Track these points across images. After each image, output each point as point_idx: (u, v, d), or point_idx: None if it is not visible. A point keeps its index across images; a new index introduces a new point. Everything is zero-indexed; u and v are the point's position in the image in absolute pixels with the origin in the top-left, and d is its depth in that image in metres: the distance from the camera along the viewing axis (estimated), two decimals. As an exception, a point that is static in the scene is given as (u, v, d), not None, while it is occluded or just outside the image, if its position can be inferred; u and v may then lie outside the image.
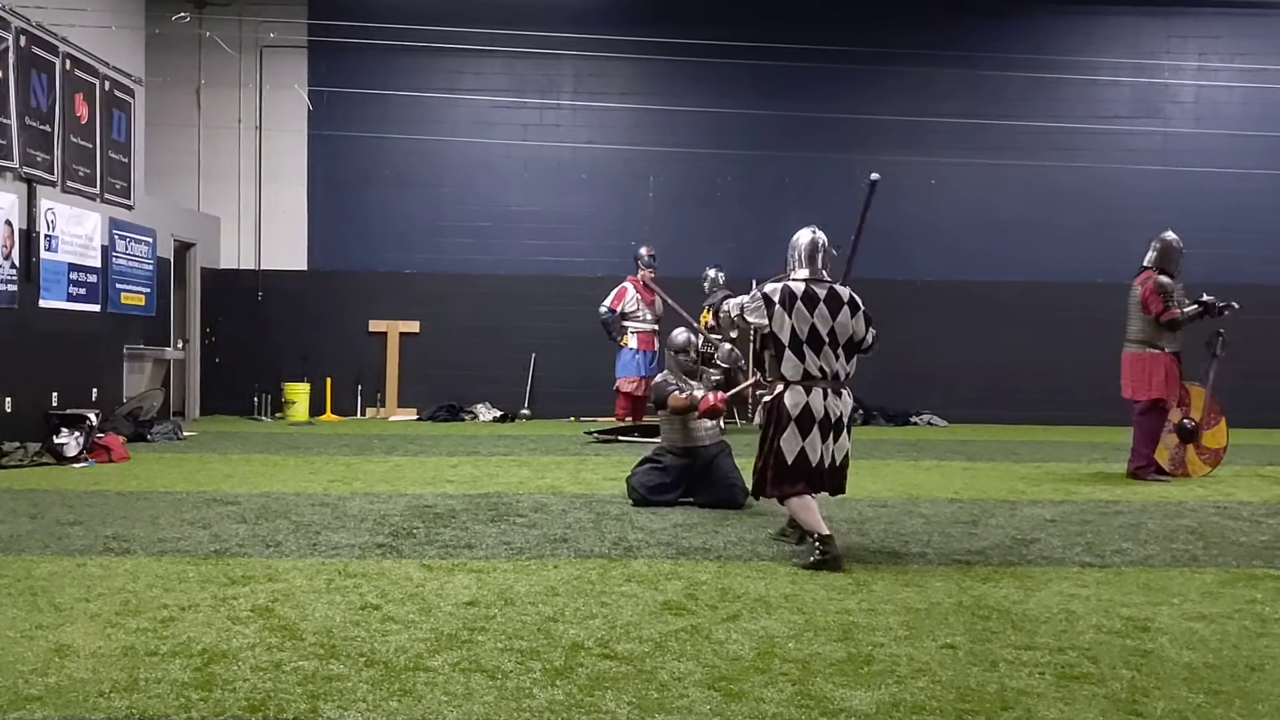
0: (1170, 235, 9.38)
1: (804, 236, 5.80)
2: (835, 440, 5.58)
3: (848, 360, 5.62)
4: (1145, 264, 9.28)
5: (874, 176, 6.07)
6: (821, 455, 5.53)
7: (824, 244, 5.76)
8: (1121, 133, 15.06)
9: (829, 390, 5.53)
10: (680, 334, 7.95)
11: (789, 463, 5.51)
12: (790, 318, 5.52)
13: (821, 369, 5.52)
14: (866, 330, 5.66)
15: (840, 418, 5.57)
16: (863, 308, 5.67)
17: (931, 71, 14.71)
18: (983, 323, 14.86)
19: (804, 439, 5.50)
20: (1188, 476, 9.17)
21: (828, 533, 5.47)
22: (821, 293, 5.59)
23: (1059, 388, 14.44)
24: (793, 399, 5.52)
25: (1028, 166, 14.89)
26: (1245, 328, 10.97)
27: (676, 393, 7.45)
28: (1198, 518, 7.14)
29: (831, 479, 5.65)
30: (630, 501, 7.33)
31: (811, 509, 5.53)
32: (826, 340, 5.53)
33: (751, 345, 6.13)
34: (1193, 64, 15.13)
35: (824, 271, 5.72)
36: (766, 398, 5.72)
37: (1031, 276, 14.93)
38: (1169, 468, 9.20)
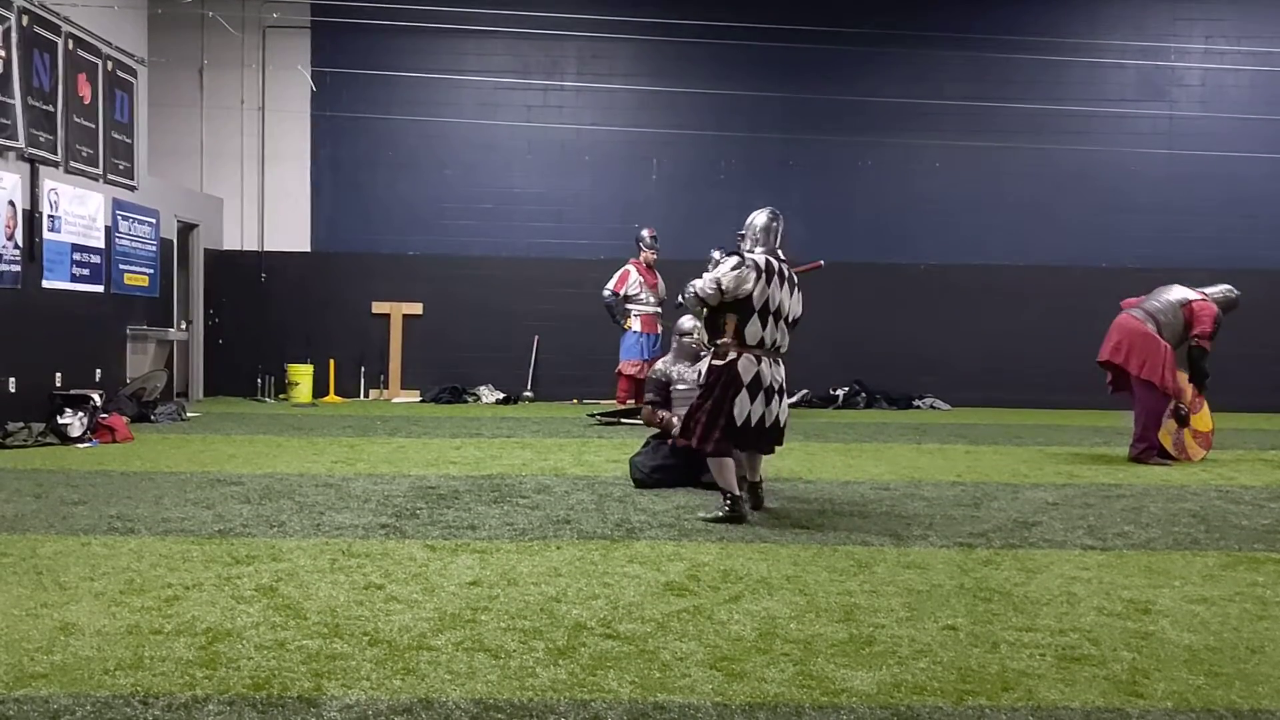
0: (1237, 292, 9.43)
1: (760, 216, 6.32)
2: (778, 403, 6.15)
3: (788, 334, 6.22)
4: (1212, 295, 9.17)
5: (821, 263, 7.31)
6: (764, 416, 6.08)
7: (780, 224, 6.28)
8: (1127, 116, 15.00)
9: (773, 360, 6.13)
10: (687, 319, 8.01)
11: (738, 424, 6.01)
12: (769, 287, 6.02)
13: (774, 339, 6.09)
14: (801, 309, 6.27)
15: (782, 384, 6.19)
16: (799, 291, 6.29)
17: (936, 54, 14.65)
18: (986, 306, 14.84)
19: (752, 403, 6.03)
20: (1189, 460, 9.17)
21: (740, 494, 6.10)
22: (784, 271, 6.14)
23: (1062, 371, 14.40)
24: (745, 365, 6.02)
25: (1032, 149, 14.85)
26: (1249, 312, 10.95)
27: (650, 409, 7.88)
28: (1199, 501, 7.15)
29: (769, 438, 6.21)
30: (632, 483, 7.35)
31: (730, 469, 6.11)
32: (782, 315, 6.11)
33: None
34: (1199, 47, 15.06)
35: (779, 250, 6.20)
36: (716, 362, 6.13)
37: (1036, 260, 14.91)
38: (1173, 452, 9.20)
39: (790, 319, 6.18)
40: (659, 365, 8.10)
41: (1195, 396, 9.24)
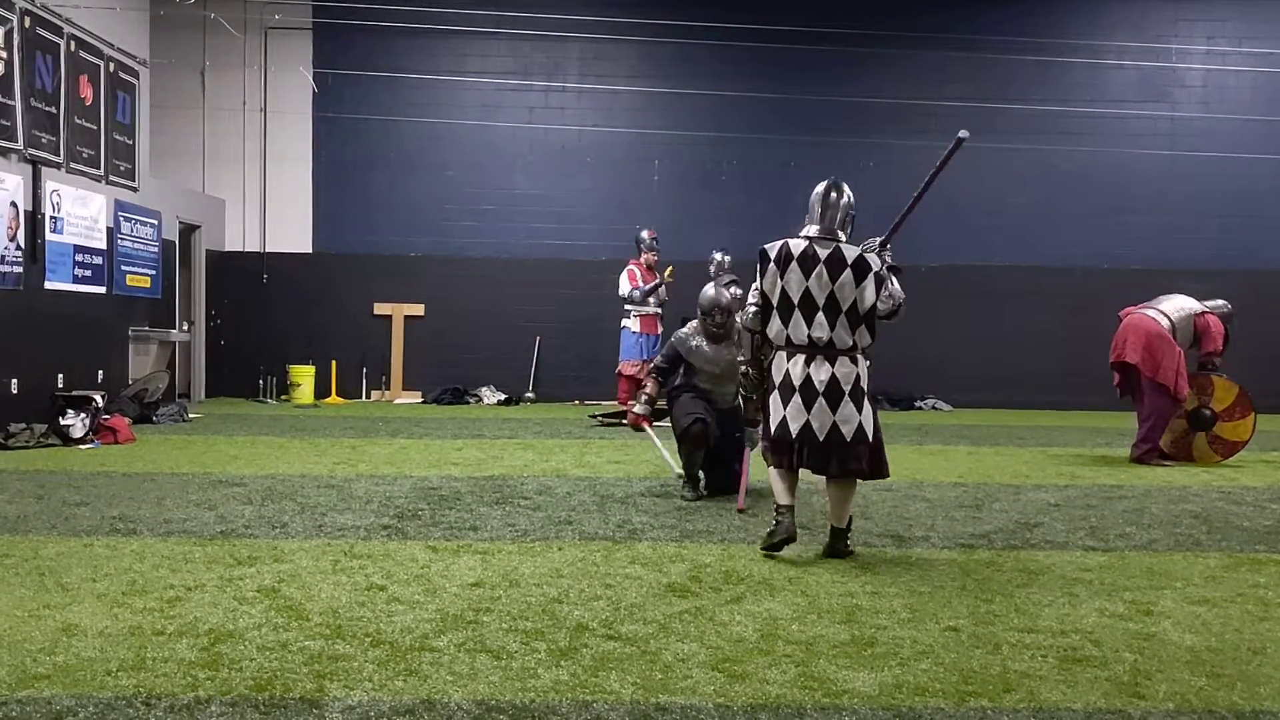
0: (1229, 305, 9.37)
1: (818, 187, 5.39)
2: (831, 409, 5.12)
3: (851, 329, 5.14)
4: (1209, 308, 9.13)
5: (963, 134, 5.40)
6: (809, 425, 5.14)
7: (849, 199, 5.34)
8: (1128, 117, 15.00)
9: (815, 357, 5.15)
10: (708, 291, 7.18)
11: (771, 430, 5.32)
12: (782, 279, 5.19)
13: (810, 336, 5.15)
14: (879, 295, 5.10)
15: (834, 385, 5.12)
16: (875, 269, 5.13)
17: (938, 55, 14.65)
18: (988, 307, 14.84)
19: (785, 407, 5.22)
20: (1190, 462, 9.15)
21: (786, 503, 5.28)
22: (824, 253, 5.14)
23: (1064, 372, 14.40)
24: (776, 365, 5.31)
25: (1034, 150, 14.84)
26: (1252, 313, 10.97)
27: (640, 405, 7.28)
28: (1201, 502, 7.14)
29: (825, 454, 5.19)
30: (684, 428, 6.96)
31: (778, 480, 5.34)
32: (822, 306, 5.12)
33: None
34: (1200, 48, 15.06)
35: (839, 230, 5.26)
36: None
37: (1037, 261, 14.90)
38: (1169, 450, 9.17)
39: (848, 308, 5.11)
40: (681, 332, 7.25)
41: (1240, 404, 9.15)
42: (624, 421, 11.62)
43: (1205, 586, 4.86)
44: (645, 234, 12.83)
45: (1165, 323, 8.94)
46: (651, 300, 12.69)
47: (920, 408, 14.57)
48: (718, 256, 13.28)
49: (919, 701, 3.37)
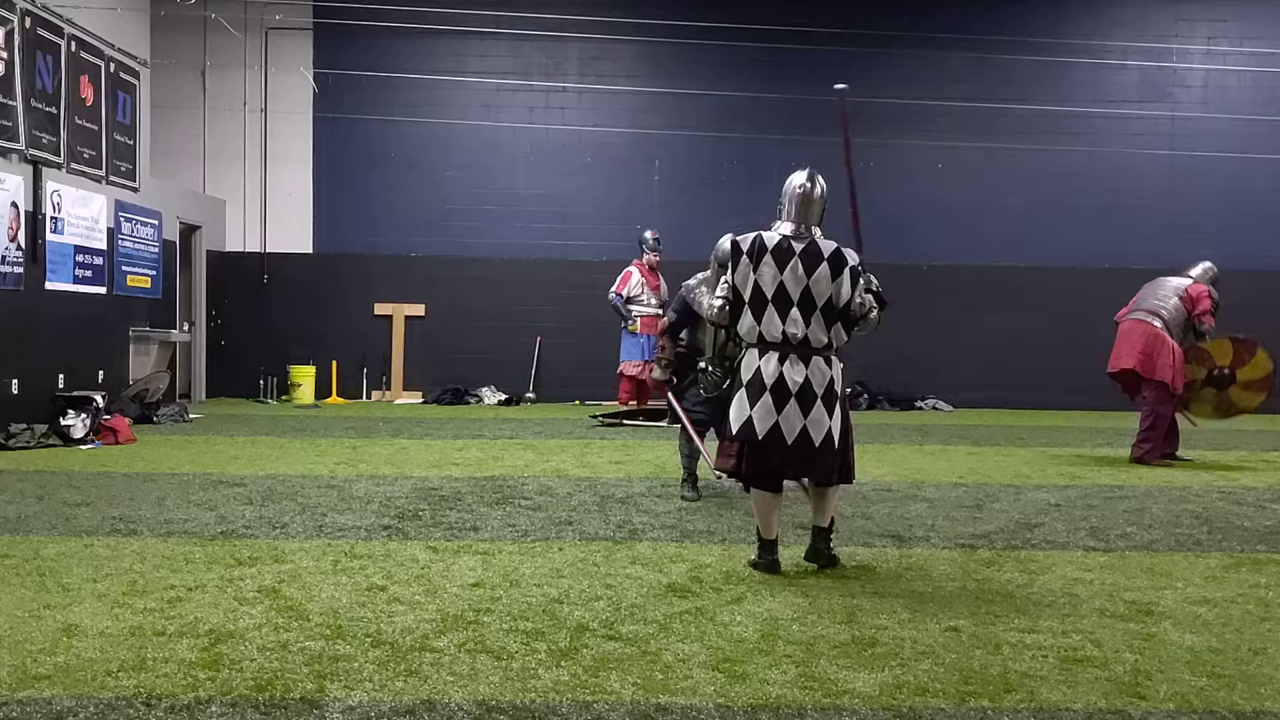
0: (1215, 269, 9.48)
1: (794, 180, 5.06)
2: (803, 412, 4.82)
3: (827, 326, 4.88)
4: (1194, 277, 9.24)
5: (839, 86, 5.29)
6: (777, 427, 4.82)
7: (822, 191, 5.03)
8: (1129, 116, 15.00)
9: (792, 356, 4.86)
10: (724, 244, 7.14)
11: (734, 431, 4.96)
12: (754, 272, 4.89)
13: (785, 333, 4.85)
14: (854, 293, 4.91)
15: (808, 386, 4.83)
16: (851, 264, 4.92)
17: (939, 55, 14.64)
18: (989, 307, 14.83)
19: (752, 407, 4.87)
20: (1246, 413, 9.32)
21: (771, 538, 4.99)
22: (799, 246, 4.89)
23: (1065, 372, 14.38)
24: (746, 362, 4.96)
25: (1035, 150, 14.84)
26: (1252, 313, 10.94)
27: (659, 370, 7.10)
28: (1202, 502, 7.14)
29: (803, 458, 4.91)
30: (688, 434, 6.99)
31: (764, 508, 5.01)
32: (796, 301, 4.84)
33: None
34: (1201, 48, 15.06)
35: (815, 227, 4.99)
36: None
37: (1038, 260, 14.90)
38: (1215, 416, 9.32)
39: (824, 305, 4.85)
40: (689, 282, 6.97)
41: (1240, 348, 9.17)
42: (625, 421, 11.67)
43: (1206, 586, 4.86)
44: (649, 234, 12.83)
45: (1158, 322, 9.00)
46: (653, 301, 12.69)
47: (920, 408, 14.57)
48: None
49: (919, 702, 3.37)
